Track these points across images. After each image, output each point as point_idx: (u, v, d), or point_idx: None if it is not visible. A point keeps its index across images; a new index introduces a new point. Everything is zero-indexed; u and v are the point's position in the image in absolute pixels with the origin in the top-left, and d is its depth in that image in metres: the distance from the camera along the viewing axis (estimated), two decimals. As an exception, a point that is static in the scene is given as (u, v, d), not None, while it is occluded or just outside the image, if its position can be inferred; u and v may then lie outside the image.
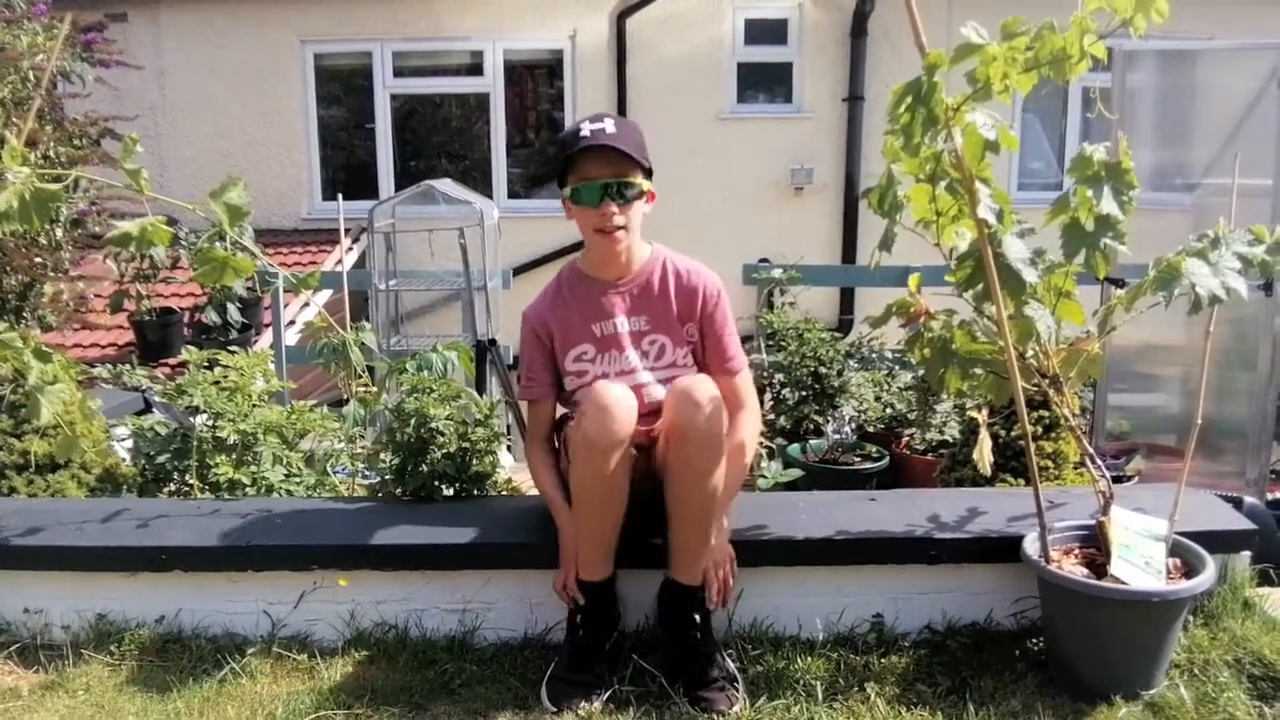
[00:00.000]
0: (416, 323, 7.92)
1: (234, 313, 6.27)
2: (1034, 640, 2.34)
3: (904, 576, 2.41)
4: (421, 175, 8.35)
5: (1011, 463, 3.29)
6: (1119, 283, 3.31)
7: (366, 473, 3.26)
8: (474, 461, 2.72)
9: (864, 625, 2.41)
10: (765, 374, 4.94)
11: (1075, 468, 3.16)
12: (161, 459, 3.07)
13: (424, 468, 2.66)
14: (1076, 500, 2.55)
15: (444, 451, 2.67)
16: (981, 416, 2.52)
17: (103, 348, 6.80)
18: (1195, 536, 2.23)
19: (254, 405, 3.16)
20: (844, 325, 8.23)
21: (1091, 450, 2.29)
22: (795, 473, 3.73)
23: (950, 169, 2.02)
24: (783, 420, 4.80)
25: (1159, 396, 4.42)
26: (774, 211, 8.75)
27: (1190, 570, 2.17)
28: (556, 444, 2.49)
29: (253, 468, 3.05)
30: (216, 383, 3.16)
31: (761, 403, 4.77)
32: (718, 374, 2.42)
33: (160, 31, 8.68)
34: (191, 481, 3.01)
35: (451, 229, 6.18)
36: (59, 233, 5.41)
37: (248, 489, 3.00)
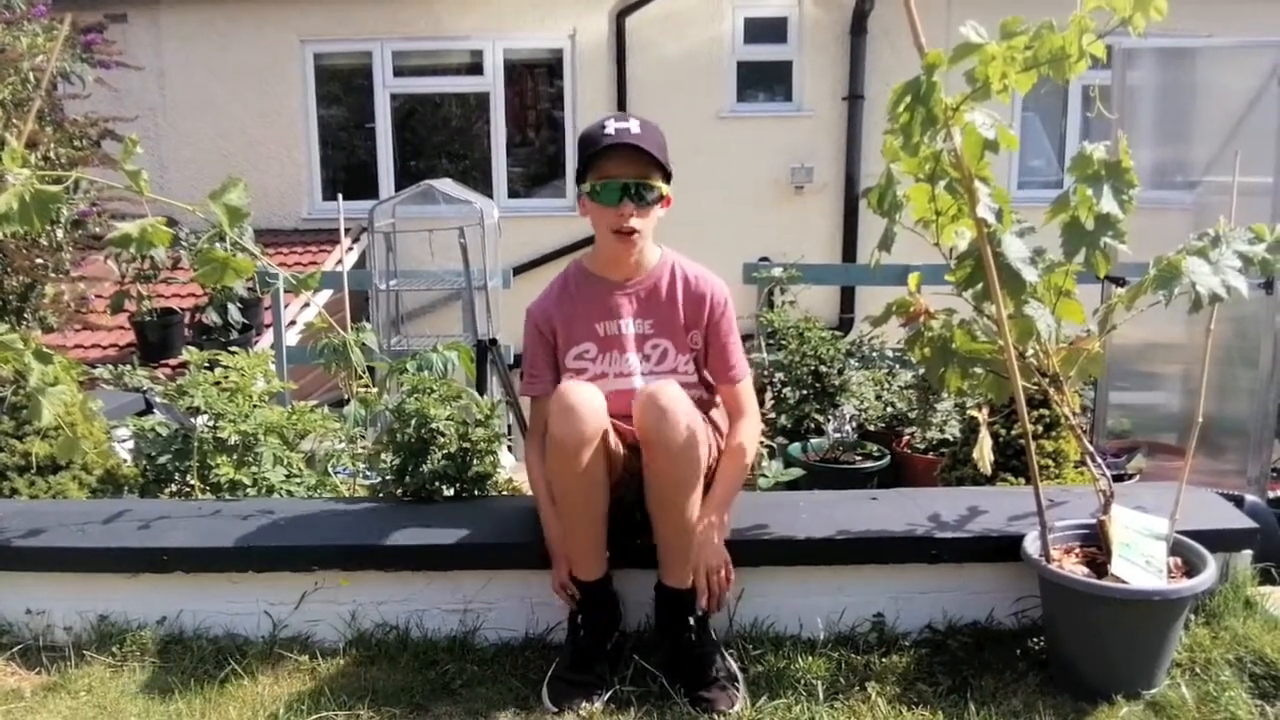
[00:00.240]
0: (417, 323, 7.92)
1: (235, 313, 6.27)
2: (1035, 639, 2.34)
3: (905, 576, 2.41)
4: (421, 175, 8.35)
5: (1012, 461, 3.29)
6: (1119, 281, 3.31)
7: (367, 473, 3.26)
8: (475, 462, 2.72)
9: (865, 624, 2.41)
10: (766, 373, 4.94)
11: (1076, 466, 3.16)
12: (163, 460, 3.07)
13: (425, 468, 2.66)
14: (1077, 499, 2.55)
15: (445, 452, 2.67)
16: (982, 415, 2.52)
17: (104, 348, 6.80)
18: (1196, 535, 2.23)
19: (255, 406, 3.17)
20: (844, 324, 8.23)
21: (1092, 449, 2.29)
22: (796, 472, 3.73)
23: (949, 168, 2.02)
24: (783, 419, 4.80)
25: (1160, 395, 4.42)
26: (774, 210, 8.75)
27: (1191, 569, 2.17)
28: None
29: (254, 468, 3.05)
30: (217, 383, 3.16)
31: (762, 402, 4.77)
32: (720, 382, 2.44)
33: (160, 32, 8.68)
34: (193, 482, 3.01)
35: (452, 228, 6.17)
36: (59, 234, 5.40)
37: (249, 490, 3.00)
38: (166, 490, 3.11)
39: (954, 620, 2.42)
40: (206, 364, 3.24)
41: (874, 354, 5.22)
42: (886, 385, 5.13)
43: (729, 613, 2.39)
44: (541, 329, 2.44)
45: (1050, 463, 3.17)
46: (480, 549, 2.43)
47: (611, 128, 2.26)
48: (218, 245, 2.41)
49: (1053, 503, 2.43)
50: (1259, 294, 3.60)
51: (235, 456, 3.05)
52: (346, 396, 3.10)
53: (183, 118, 8.80)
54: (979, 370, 2.34)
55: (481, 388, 5.18)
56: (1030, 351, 2.25)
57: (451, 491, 2.73)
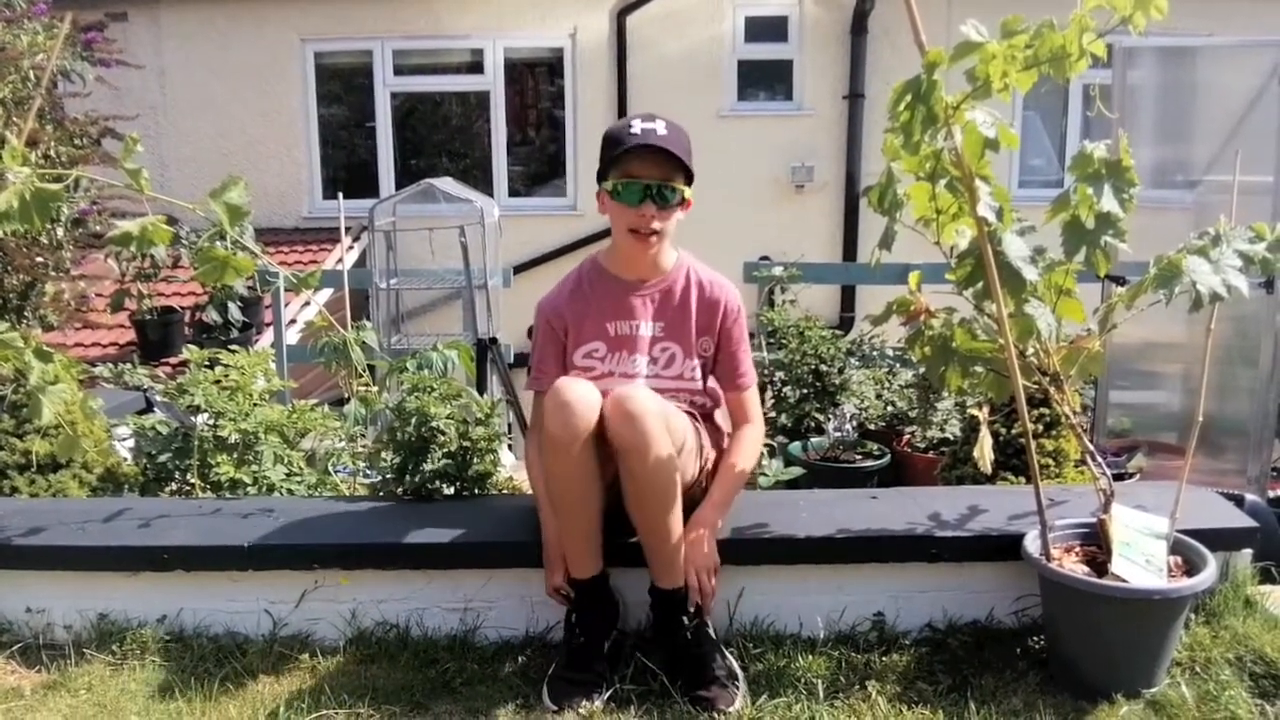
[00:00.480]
0: (417, 321, 7.93)
1: (235, 312, 6.28)
2: (1035, 638, 2.34)
3: (905, 575, 2.41)
4: (422, 174, 8.35)
5: (1012, 460, 3.29)
6: (1120, 280, 3.31)
7: (367, 472, 3.26)
8: (475, 460, 2.72)
9: (865, 623, 2.41)
10: (766, 372, 4.94)
11: (1076, 465, 3.16)
12: (163, 458, 3.07)
13: (425, 467, 2.66)
14: (1077, 498, 2.55)
15: (445, 450, 2.67)
16: (982, 414, 2.52)
17: (104, 347, 6.81)
18: (1196, 534, 2.23)
19: (255, 404, 3.17)
20: (845, 323, 8.23)
21: (1092, 448, 2.29)
22: (796, 471, 3.74)
23: (950, 167, 2.02)
24: (784, 418, 4.81)
25: (1160, 394, 4.42)
26: (774, 209, 8.75)
27: (1191, 568, 2.17)
28: None
29: (254, 467, 3.05)
30: (217, 382, 3.16)
31: (762, 401, 4.77)
32: (728, 389, 2.44)
33: (160, 31, 8.68)
34: (193, 481, 3.01)
35: (452, 227, 6.18)
36: (60, 232, 5.41)
37: (249, 488, 3.00)
38: (167, 489, 3.11)
39: (954, 619, 2.42)
40: (207, 362, 3.24)
41: (874, 353, 5.23)
42: (887, 384, 5.13)
43: (729, 611, 2.39)
44: (553, 324, 2.43)
45: (1050, 462, 3.17)
46: (480, 548, 2.43)
47: (638, 128, 2.24)
48: (218, 244, 2.41)
49: (1053, 502, 2.43)
50: (1259, 293, 3.60)
51: (235, 455, 3.05)
52: (347, 395, 3.10)
53: (183, 116, 8.80)
54: (979, 369, 2.34)
55: (482, 386, 5.19)
56: (1031, 350, 2.25)
57: (452, 490, 2.73)
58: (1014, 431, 3.29)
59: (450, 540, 2.43)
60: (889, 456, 4.55)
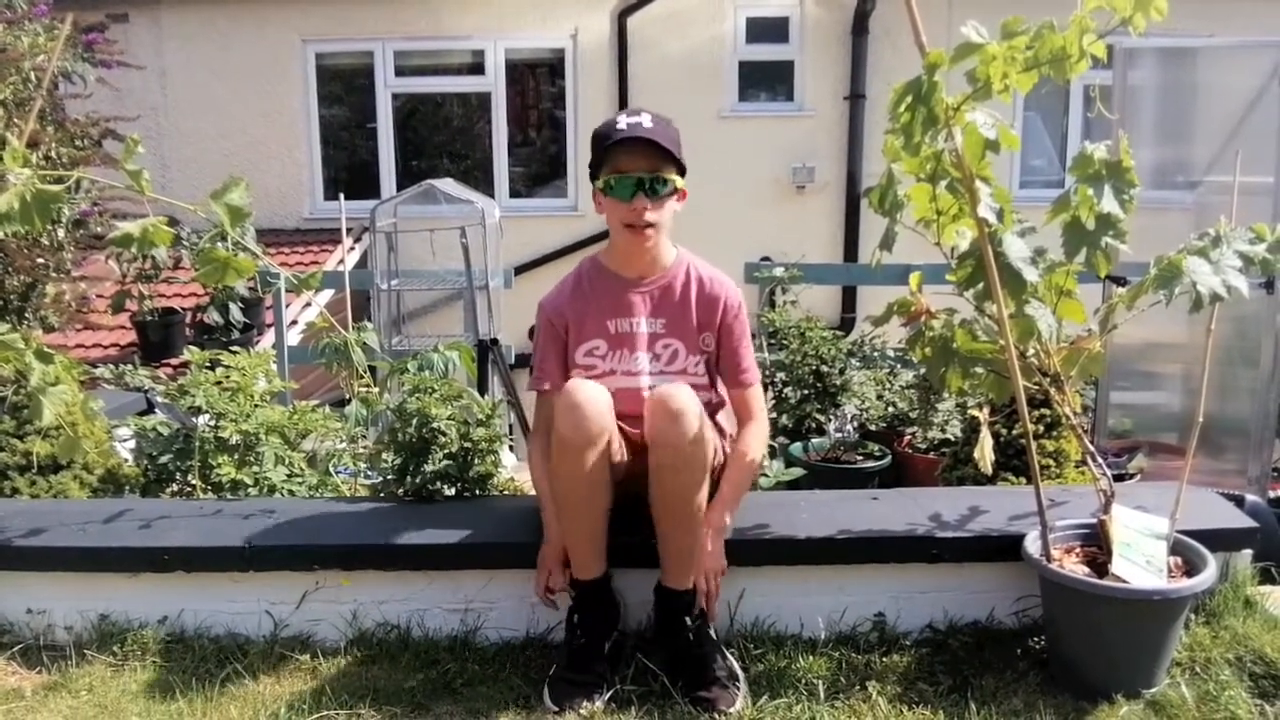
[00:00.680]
0: (418, 322, 7.93)
1: (236, 313, 6.28)
2: (1035, 639, 2.34)
3: (906, 575, 2.41)
4: (423, 174, 8.36)
5: (1013, 461, 3.29)
6: (1120, 281, 3.30)
7: (368, 473, 3.26)
8: (476, 461, 2.72)
9: (866, 624, 2.41)
10: (767, 372, 4.94)
11: (1077, 466, 3.16)
12: (164, 459, 3.08)
13: (426, 468, 2.66)
14: (1078, 499, 2.55)
15: (446, 452, 2.67)
16: (983, 415, 2.53)
17: (105, 348, 6.81)
18: (1197, 535, 2.23)
19: (256, 405, 3.17)
20: (846, 324, 8.23)
21: (1093, 448, 2.29)
22: (797, 471, 3.73)
23: (951, 168, 2.02)
24: (785, 419, 4.80)
25: (1160, 394, 4.42)
26: (775, 210, 8.75)
27: (1192, 569, 2.17)
28: None
29: (255, 468, 3.05)
30: (219, 383, 3.16)
31: (763, 401, 4.77)
32: (731, 385, 2.44)
33: (161, 32, 8.68)
34: (194, 482, 3.01)
35: (453, 228, 6.18)
36: (61, 233, 5.41)
37: (250, 489, 3.00)
38: (168, 490, 3.11)
39: (955, 620, 2.42)
40: (208, 364, 3.24)
41: (875, 354, 5.22)
42: (888, 385, 5.13)
43: (730, 612, 2.39)
44: (554, 323, 2.43)
45: (1051, 462, 3.17)
46: (481, 548, 2.43)
47: (624, 122, 2.26)
48: (219, 245, 2.42)
49: (1053, 502, 2.43)
50: (1260, 294, 3.60)
51: (237, 456, 3.05)
52: (348, 396, 3.10)
53: (184, 117, 8.81)
54: (980, 370, 2.34)
55: (483, 387, 5.19)
56: (1031, 351, 2.25)
57: (452, 491, 2.73)
58: (1015, 432, 3.29)
59: (451, 541, 2.43)
60: (890, 457, 4.54)
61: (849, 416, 4.59)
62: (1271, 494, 3.78)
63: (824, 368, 4.85)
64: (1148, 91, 4.21)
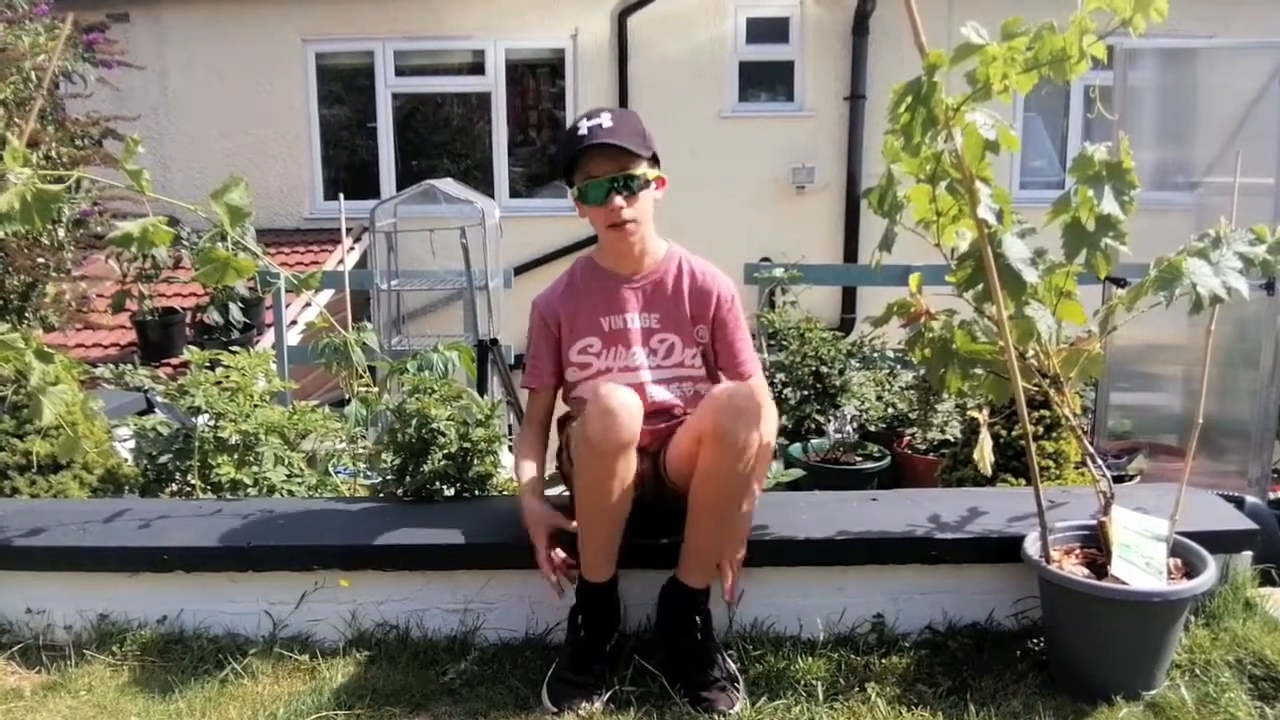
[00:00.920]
0: (418, 322, 7.93)
1: (236, 313, 6.28)
2: (1035, 640, 2.34)
3: (905, 576, 2.41)
4: (423, 174, 8.35)
5: (1012, 462, 3.29)
6: (1120, 282, 3.30)
7: (368, 473, 3.26)
8: (475, 462, 2.72)
9: (865, 625, 2.41)
10: (767, 373, 4.94)
11: (1076, 467, 3.16)
12: (163, 459, 3.07)
13: (425, 468, 2.66)
14: (1077, 500, 2.55)
15: (445, 452, 2.67)
16: (982, 416, 2.52)
17: (105, 348, 6.81)
18: (1196, 536, 2.23)
19: (256, 405, 3.17)
20: (845, 324, 8.23)
21: (1092, 450, 2.29)
22: (797, 472, 3.73)
23: (950, 169, 2.02)
24: (784, 420, 4.80)
25: (1160, 396, 4.42)
26: (775, 210, 8.75)
27: (1191, 570, 2.17)
28: (559, 439, 2.50)
29: (254, 468, 3.05)
30: (218, 383, 3.16)
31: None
32: (731, 378, 2.43)
33: (162, 31, 8.68)
34: (193, 482, 3.01)
35: (453, 228, 6.18)
36: (61, 233, 5.42)
37: (249, 489, 3.00)
38: (167, 490, 3.11)
39: (954, 621, 2.42)
40: (208, 363, 3.24)
41: (875, 354, 5.22)
42: (887, 386, 5.13)
43: (729, 613, 2.39)
44: (547, 321, 2.45)
45: (1051, 464, 3.16)
46: (480, 549, 2.43)
47: (584, 128, 2.28)
48: (219, 245, 2.41)
49: (1053, 504, 2.43)
50: (1260, 295, 3.60)
51: (236, 456, 3.05)
52: (347, 396, 3.10)
53: (184, 117, 8.81)
54: (979, 371, 2.34)
55: (482, 388, 5.19)
56: (1031, 352, 2.25)
57: (452, 491, 2.73)
58: (1014, 433, 3.29)
59: (450, 541, 2.43)
60: (889, 458, 4.55)
61: (848, 417, 4.59)
62: (1272, 496, 3.78)
63: (823, 368, 4.85)
64: (1148, 93, 4.22)
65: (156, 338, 6.47)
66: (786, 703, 2.13)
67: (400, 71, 8.98)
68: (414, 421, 2.68)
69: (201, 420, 3.08)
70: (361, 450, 3.31)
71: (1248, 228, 2.16)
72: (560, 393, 2.50)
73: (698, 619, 2.21)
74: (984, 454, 2.42)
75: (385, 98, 9.00)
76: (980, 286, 2.14)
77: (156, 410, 3.90)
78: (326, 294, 6.59)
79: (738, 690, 2.15)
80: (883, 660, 2.30)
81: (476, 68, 9.01)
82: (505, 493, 2.92)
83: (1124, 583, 2.07)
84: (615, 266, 2.42)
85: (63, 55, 5.54)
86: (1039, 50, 1.89)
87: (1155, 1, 1.84)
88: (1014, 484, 3.21)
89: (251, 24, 8.69)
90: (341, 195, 5.99)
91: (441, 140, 9.34)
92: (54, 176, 2.27)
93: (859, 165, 8.66)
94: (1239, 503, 2.78)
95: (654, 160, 2.34)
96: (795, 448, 4.60)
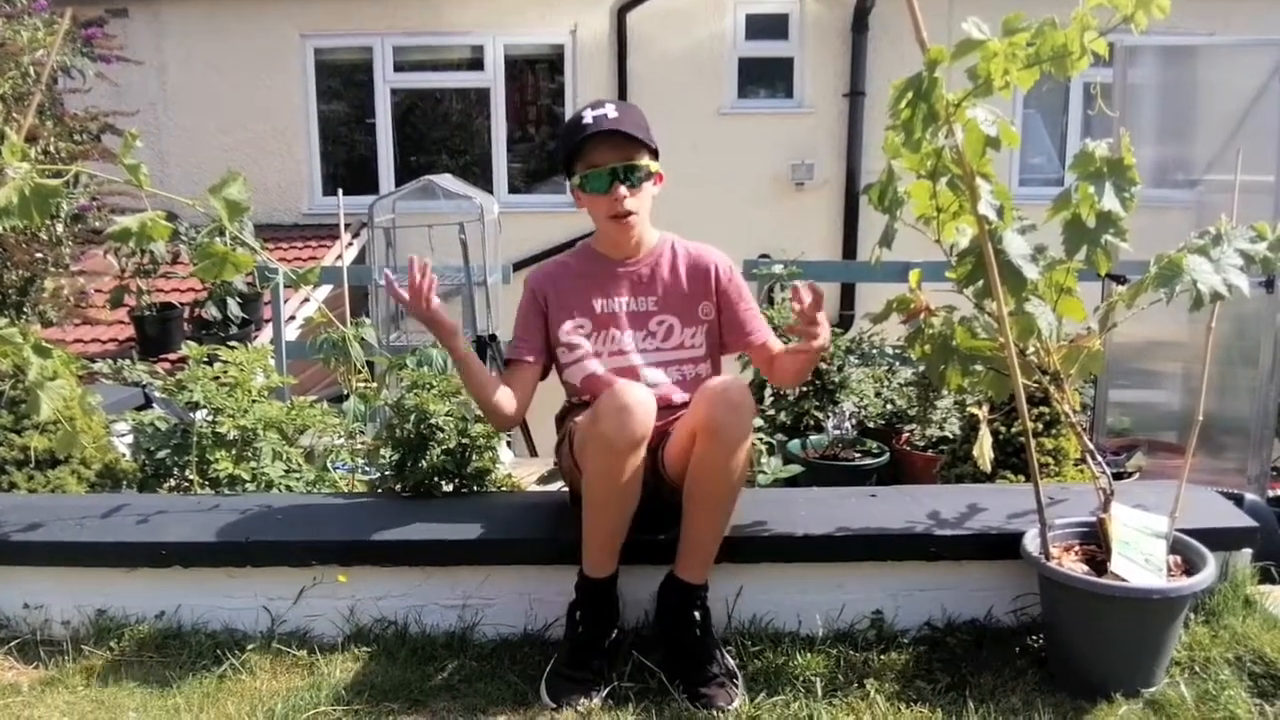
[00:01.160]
0: (417, 318, 7.91)
1: (234, 308, 6.28)
2: (1034, 637, 2.34)
3: (904, 573, 2.40)
4: (422, 170, 8.33)
5: (1012, 459, 3.29)
6: (1120, 279, 3.30)
7: (366, 468, 3.25)
8: (473, 457, 2.72)
9: (864, 622, 2.41)
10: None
11: (1076, 464, 3.16)
12: (161, 454, 3.07)
13: (423, 464, 2.66)
14: (1077, 497, 2.55)
15: (444, 447, 2.67)
16: (982, 413, 2.52)
17: (103, 343, 6.81)
18: (1196, 533, 2.23)
19: (254, 401, 3.16)
20: (844, 321, 8.22)
21: (1092, 447, 2.28)
22: (795, 468, 3.73)
23: (951, 165, 2.02)
24: (783, 415, 4.80)
25: (1160, 393, 4.42)
26: (774, 207, 8.74)
27: (1191, 567, 2.17)
28: (558, 434, 2.51)
29: (252, 463, 3.05)
30: (216, 378, 3.16)
31: (761, 399, 4.77)
32: (746, 349, 2.48)
33: (161, 26, 8.67)
34: (191, 477, 3.01)
35: (452, 224, 6.18)
36: (59, 228, 5.41)
37: (247, 485, 3.00)
38: (165, 485, 3.10)
39: (953, 618, 2.42)
40: (206, 359, 3.24)
41: (874, 351, 5.22)
42: (886, 382, 5.13)
43: (728, 610, 2.39)
44: (537, 296, 2.46)
45: (1050, 460, 3.16)
46: (479, 545, 2.43)
47: (589, 117, 2.28)
48: (217, 240, 2.41)
49: (1052, 500, 2.43)
50: (1260, 292, 3.60)
51: (234, 451, 3.05)
52: (346, 392, 3.09)
53: (183, 112, 8.79)
54: (979, 368, 2.34)
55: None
56: (1031, 349, 2.25)
57: (450, 487, 2.72)
58: (1014, 430, 3.29)
59: (449, 537, 2.43)
60: (888, 455, 4.54)
61: (847, 414, 4.59)
62: (1271, 493, 3.78)
63: (822, 365, 4.85)
64: (1148, 90, 4.21)
65: (154, 333, 6.46)
66: (785, 699, 2.12)
67: (399, 67, 8.97)
68: (412, 417, 2.68)
69: (199, 415, 3.08)
70: (360, 445, 3.31)
71: (1248, 225, 2.16)
72: (549, 371, 2.50)
73: (696, 615, 2.20)
74: (983, 450, 2.41)
75: (384, 93, 8.99)
76: (980, 283, 2.14)
77: (154, 405, 3.90)
78: (325, 289, 6.58)
79: (736, 686, 2.15)
80: (882, 657, 2.30)
81: (475, 63, 9.00)
82: (504, 488, 2.92)
83: (1124, 580, 2.07)
84: (611, 253, 2.46)
85: (61, 50, 5.53)
86: (1040, 46, 1.89)
87: (1157, -3, 1.83)
88: (1013, 481, 3.21)
89: (250, 19, 8.67)
90: (340, 191, 5.98)
91: (440, 136, 9.33)
92: (52, 171, 2.26)
93: (858, 162, 8.66)
94: (1238, 500, 2.77)
95: (654, 154, 2.35)
96: (794, 444, 4.59)
